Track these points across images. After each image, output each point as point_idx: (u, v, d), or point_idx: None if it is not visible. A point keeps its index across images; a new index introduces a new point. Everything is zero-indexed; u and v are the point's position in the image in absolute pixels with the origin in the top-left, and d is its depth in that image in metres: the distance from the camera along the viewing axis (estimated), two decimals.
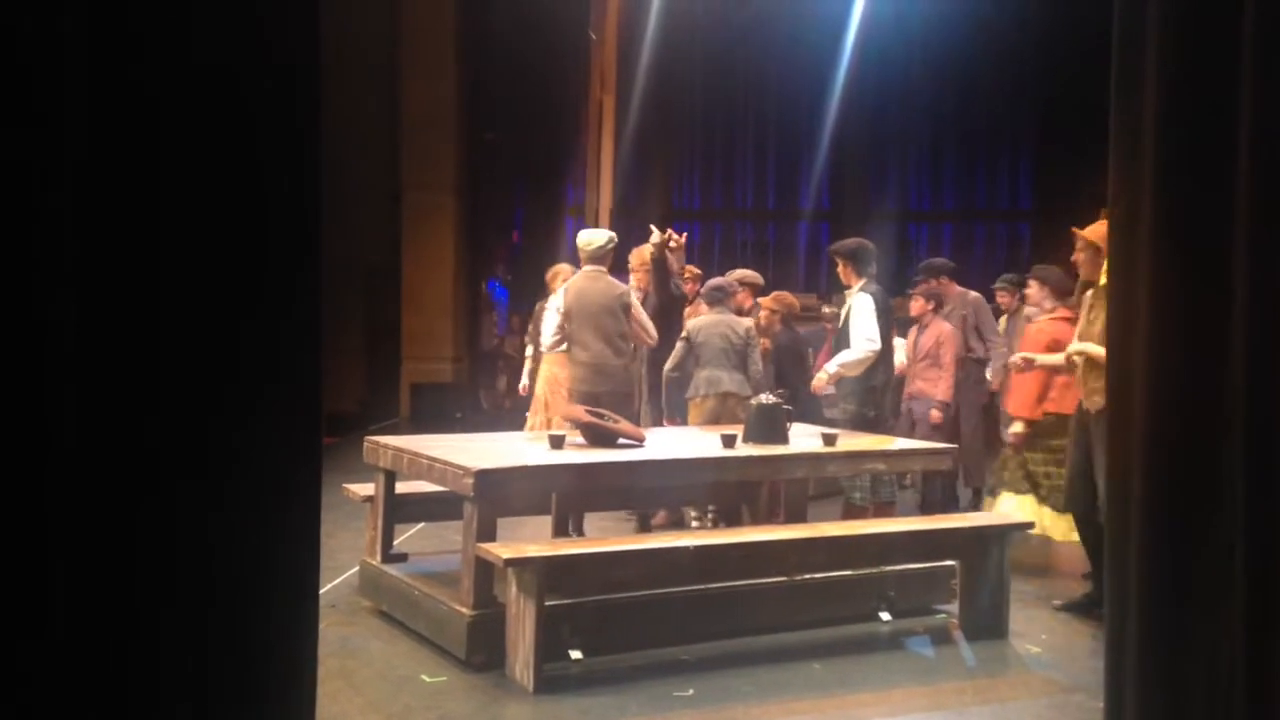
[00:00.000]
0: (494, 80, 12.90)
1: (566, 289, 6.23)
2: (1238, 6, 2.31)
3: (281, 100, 1.86)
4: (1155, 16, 2.50)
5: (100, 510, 1.71)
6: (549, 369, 6.61)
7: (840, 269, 6.26)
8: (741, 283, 7.09)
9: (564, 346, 6.29)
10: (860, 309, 6.04)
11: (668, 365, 6.45)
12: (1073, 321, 6.19)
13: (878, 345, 6.00)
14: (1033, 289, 6.27)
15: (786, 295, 7.10)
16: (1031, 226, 13.60)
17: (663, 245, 6.58)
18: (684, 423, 6.44)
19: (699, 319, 6.51)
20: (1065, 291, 6.20)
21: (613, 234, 6.50)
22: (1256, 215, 2.28)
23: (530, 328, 8.05)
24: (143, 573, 1.76)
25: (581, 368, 6.16)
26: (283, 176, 1.87)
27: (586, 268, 6.29)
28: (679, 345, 6.42)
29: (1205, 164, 2.43)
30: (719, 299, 6.54)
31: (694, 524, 6.44)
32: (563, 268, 7.44)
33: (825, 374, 6.17)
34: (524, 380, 7.67)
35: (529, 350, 7.86)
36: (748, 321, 6.62)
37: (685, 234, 7.55)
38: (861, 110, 13.45)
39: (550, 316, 6.34)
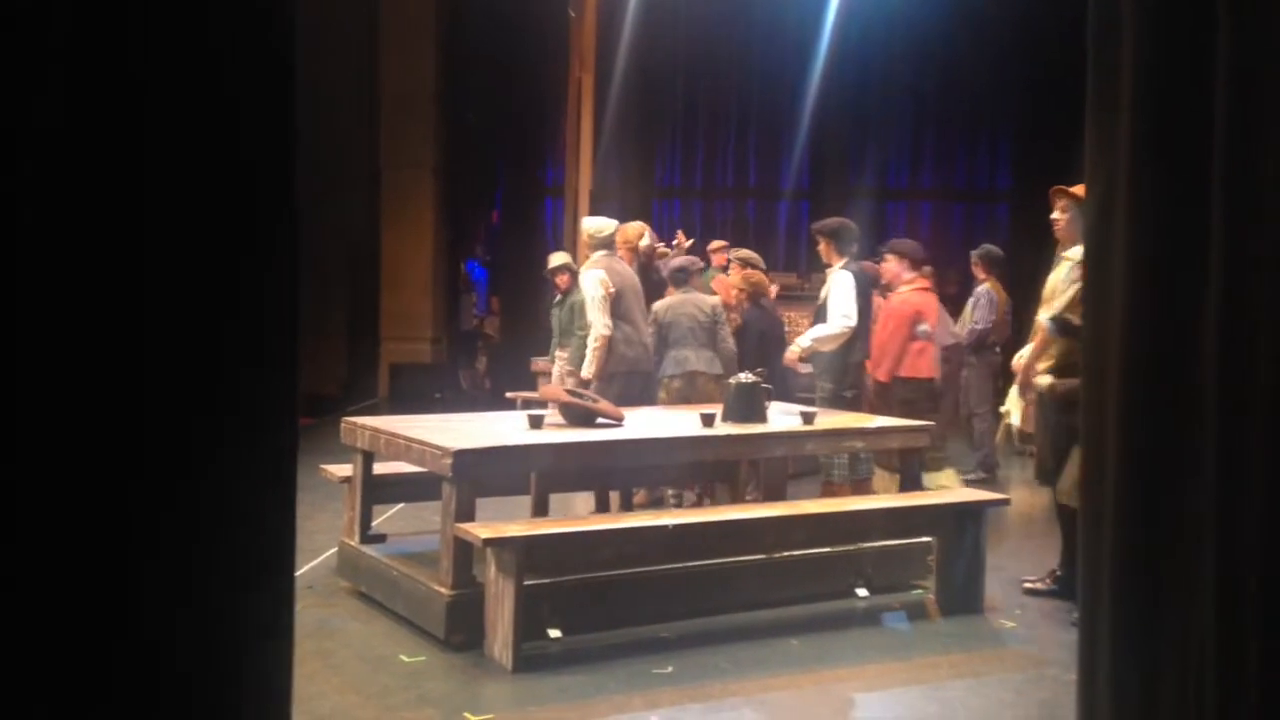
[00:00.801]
0: (473, 59, 12.81)
1: (608, 271, 6.20)
2: None
3: (255, 74, 1.84)
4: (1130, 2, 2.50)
5: (70, 494, 1.70)
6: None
7: (822, 247, 6.28)
8: (745, 262, 7.12)
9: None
10: (839, 285, 6.07)
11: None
12: (930, 290, 6.63)
13: (853, 321, 6.02)
14: (890, 262, 6.44)
15: (754, 273, 7.10)
16: (1010, 207, 13.64)
17: (652, 251, 6.77)
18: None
19: (665, 300, 6.54)
20: (920, 262, 6.55)
21: (615, 221, 6.63)
22: (1233, 200, 2.29)
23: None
24: (114, 556, 1.75)
25: (639, 347, 6.24)
26: (257, 154, 1.85)
27: (602, 253, 6.31)
28: (650, 329, 6.45)
29: (1181, 147, 2.44)
30: (683, 279, 6.57)
31: (672, 501, 6.47)
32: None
33: (798, 347, 6.19)
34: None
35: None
36: (715, 299, 6.67)
37: (693, 240, 7.80)
38: (842, 89, 13.41)
39: (595, 300, 6.12)
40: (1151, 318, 2.52)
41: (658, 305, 6.54)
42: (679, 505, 6.32)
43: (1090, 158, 2.71)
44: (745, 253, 7.40)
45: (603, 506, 6.08)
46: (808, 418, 5.34)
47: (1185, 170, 2.43)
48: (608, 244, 6.35)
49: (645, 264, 6.89)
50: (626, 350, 6.16)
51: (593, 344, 6.15)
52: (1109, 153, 2.62)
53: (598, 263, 6.26)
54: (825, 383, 6.16)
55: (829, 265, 6.26)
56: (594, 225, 6.50)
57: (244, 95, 1.83)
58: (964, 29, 12.80)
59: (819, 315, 6.23)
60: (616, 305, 6.14)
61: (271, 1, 1.85)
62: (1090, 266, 2.77)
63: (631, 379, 6.15)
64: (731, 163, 14.62)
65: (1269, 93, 2.20)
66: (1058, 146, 9.91)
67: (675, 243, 7.65)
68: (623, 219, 7.02)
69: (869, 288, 6.38)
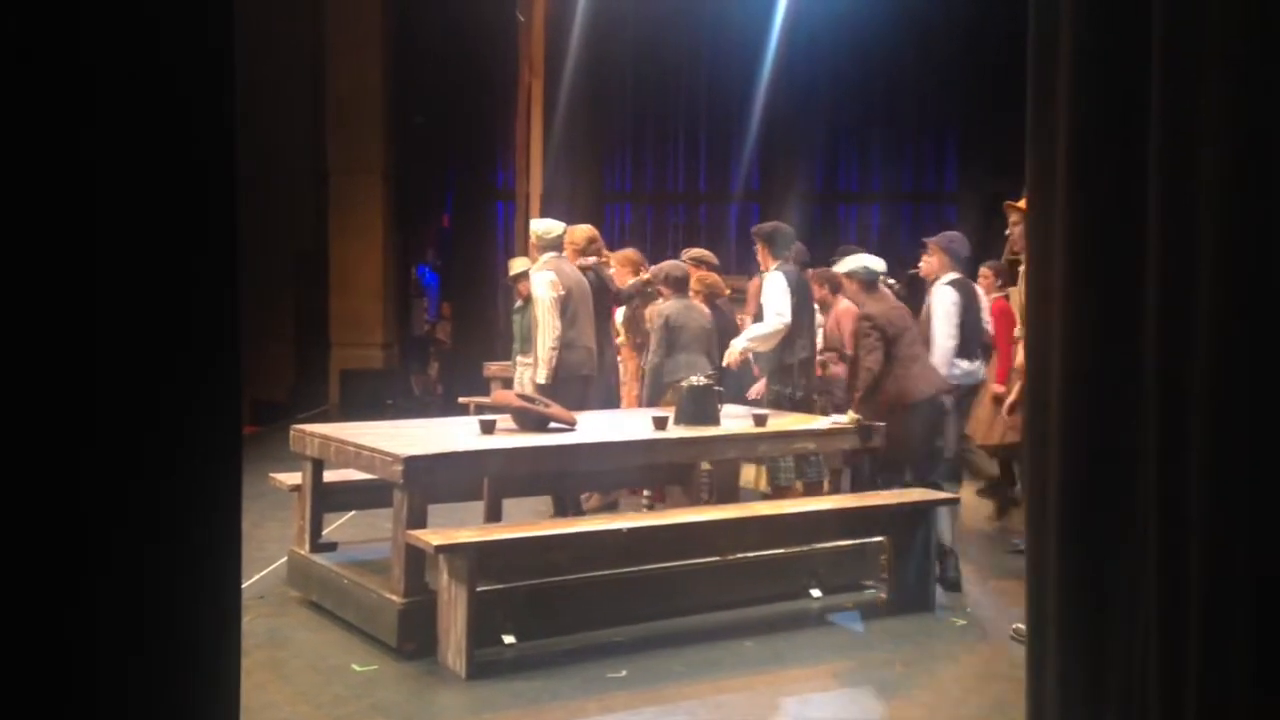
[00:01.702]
0: (422, 62, 12.72)
1: (560, 273, 6.18)
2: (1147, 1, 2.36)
3: (193, 74, 1.81)
4: (1068, 10, 2.54)
5: (10, 509, 1.67)
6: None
7: (759, 250, 6.32)
8: (700, 261, 7.10)
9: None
10: (772, 285, 6.11)
11: (653, 354, 6.43)
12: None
13: (787, 319, 6.05)
14: None
15: (709, 275, 7.10)
16: (957, 209, 13.81)
17: (601, 264, 6.79)
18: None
19: (670, 304, 6.50)
20: (805, 266, 6.70)
21: (563, 223, 6.60)
22: (1167, 207, 2.33)
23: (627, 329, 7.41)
24: (58, 566, 1.72)
25: (582, 351, 6.23)
26: (197, 155, 1.82)
27: (551, 254, 6.29)
28: (657, 333, 6.41)
29: (1119, 140, 2.48)
30: (682, 285, 6.58)
31: (644, 504, 6.45)
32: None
33: (735, 350, 6.21)
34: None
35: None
36: (706, 309, 6.70)
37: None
38: (790, 93, 13.50)
39: (547, 302, 6.11)
40: (1093, 316, 2.56)
41: (665, 308, 6.49)
42: (650, 508, 6.30)
43: (1030, 170, 2.74)
44: (698, 251, 7.36)
45: (561, 511, 6.06)
46: (759, 420, 5.37)
47: (1121, 182, 2.47)
48: (555, 245, 6.34)
49: (586, 268, 6.82)
50: (569, 355, 6.15)
51: (547, 348, 6.11)
52: (1046, 165, 2.65)
53: (547, 264, 6.25)
54: (771, 384, 6.18)
55: (765, 269, 6.31)
56: (542, 227, 6.48)
57: (183, 97, 1.80)
58: (909, 33, 12.96)
59: (757, 318, 6.28)
60: (563, 308, 6.13)
61: (208, 5, 1.82)
62: (1030, 262, 2.81)
63: (572, 383, 6.11)
64: (682, 166, 14.66)
65: (1205, 85, 2.24)
66: (1003, 148, 10.04)
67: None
68: (573, 223, 7.00)
69: (805, 287, 6.39)
